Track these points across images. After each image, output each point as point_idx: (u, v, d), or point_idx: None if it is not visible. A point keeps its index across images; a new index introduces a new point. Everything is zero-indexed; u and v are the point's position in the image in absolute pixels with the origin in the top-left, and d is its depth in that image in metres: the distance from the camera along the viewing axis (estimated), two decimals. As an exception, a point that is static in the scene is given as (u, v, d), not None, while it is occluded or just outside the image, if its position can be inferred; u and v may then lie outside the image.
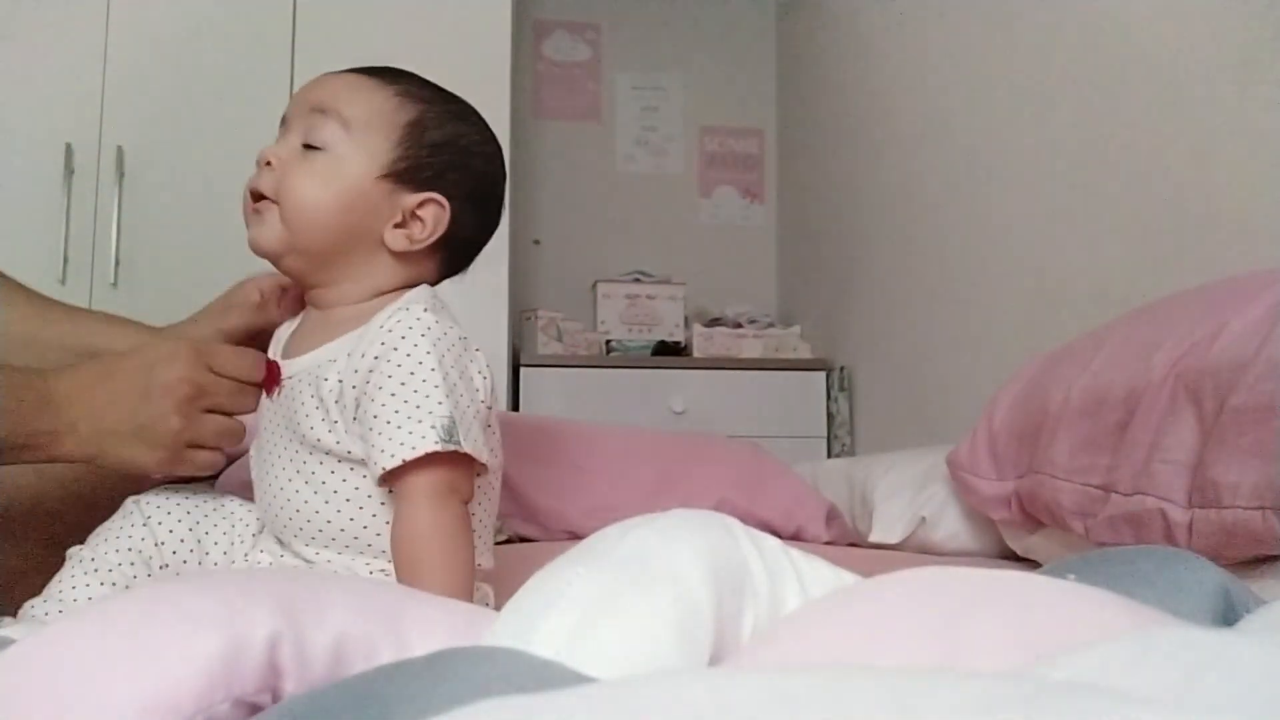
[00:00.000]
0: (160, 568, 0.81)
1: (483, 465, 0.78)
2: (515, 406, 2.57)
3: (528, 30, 3.13)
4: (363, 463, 0.77)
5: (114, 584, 0.79)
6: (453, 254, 0.86)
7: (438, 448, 0.72)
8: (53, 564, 0.82)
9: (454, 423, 0.73)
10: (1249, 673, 0.25)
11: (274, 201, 0.79)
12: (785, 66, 3.24)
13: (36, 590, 0.80)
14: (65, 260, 2.23)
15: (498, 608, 0.77)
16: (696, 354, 2.80)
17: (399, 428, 0.72)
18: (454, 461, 0.74)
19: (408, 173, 0.80)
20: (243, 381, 0.82)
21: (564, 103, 3.21)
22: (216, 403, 0.80)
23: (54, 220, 2.24)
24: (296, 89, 0.84)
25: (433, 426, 0.72)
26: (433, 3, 2.43)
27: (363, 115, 0.79)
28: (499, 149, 0.88)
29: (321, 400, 0.77)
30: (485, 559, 0.84)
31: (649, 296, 2.89)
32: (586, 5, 3.23)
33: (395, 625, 0.45)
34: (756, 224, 3.27)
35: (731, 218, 3.26)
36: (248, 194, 0.81)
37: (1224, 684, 0.25)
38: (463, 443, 0.73)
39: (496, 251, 2.44)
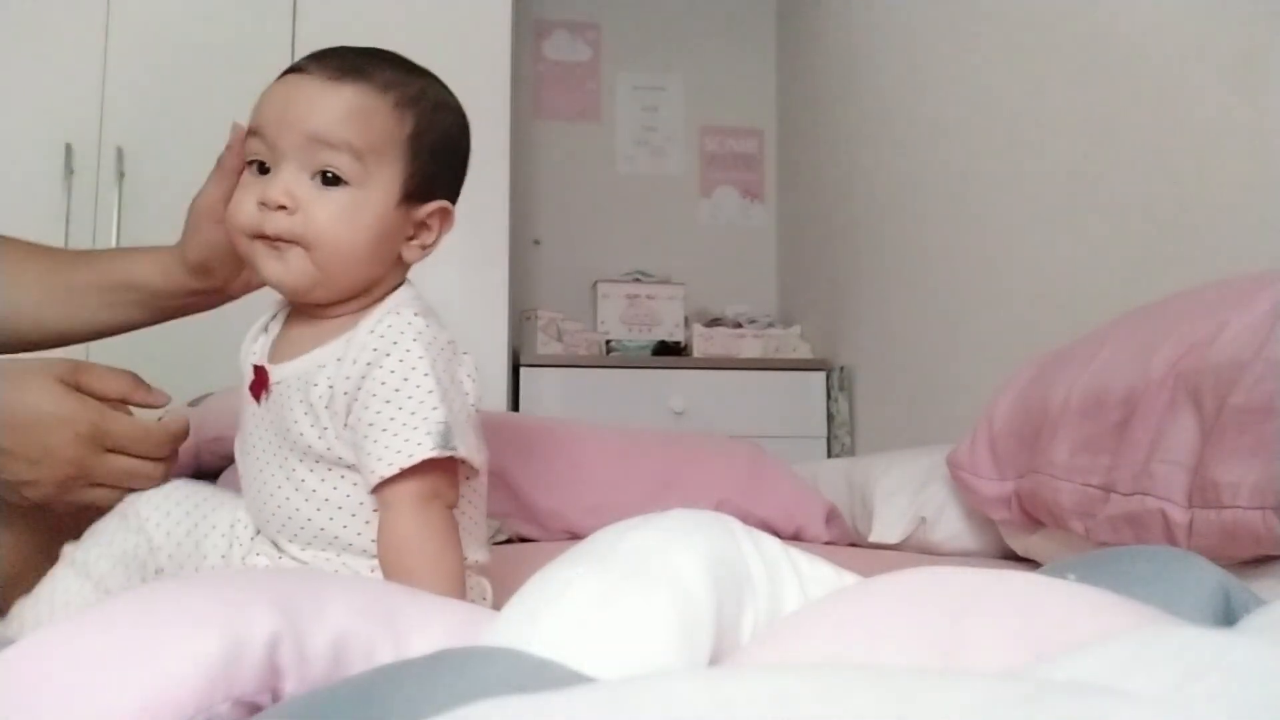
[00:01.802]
0: (155, 572, 0.80)
1: (473, 468, 0.78)
2: (515, 406, 2.56)
3: (528, 30, 3.13)
4: (352, 468, 0.76)
5: (106, 592, 0.78)
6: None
7: (435, 454, 0.71)
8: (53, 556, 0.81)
9: (449, 428, 0.72)
10: (1249, 673, 0.25)
11: (294, 243, 0.75)
12: (785, 66, 3.24)
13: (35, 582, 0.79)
14: (65, 260, 2.23)
15: (496, 606, 0.78)
16: (696, 354, 2.80)
17: (395, 435, 0.72)
18: (441, 467, 0.73)
19: (418, 189, 0.79)
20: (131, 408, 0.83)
21: (564, 103, 3.21)
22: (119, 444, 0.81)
23: (54, 220, 2.24)
24: (273, 103, 0.77)
25: (428, 433, 0.71)
26: (433, 3, 2.43)
27: (374, 142, 0.76)
28: (464, 113, 0.84)
29: (311, 406, 0.76)
30: (480, 554, 0.84)
31: (649, 296, 2.89)
32: (586, 5, 3.23)
33: (395, 625, 0.45)
34: (756, 224, 3.27)
35: (731, 218, 3.26)
36: (253, 233, 0.76)
37: (1223, 684, 0.25)
38: (459, 448, 0.73)
39: (496, 251, 2.46)
